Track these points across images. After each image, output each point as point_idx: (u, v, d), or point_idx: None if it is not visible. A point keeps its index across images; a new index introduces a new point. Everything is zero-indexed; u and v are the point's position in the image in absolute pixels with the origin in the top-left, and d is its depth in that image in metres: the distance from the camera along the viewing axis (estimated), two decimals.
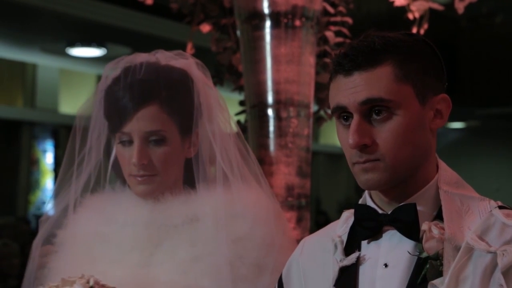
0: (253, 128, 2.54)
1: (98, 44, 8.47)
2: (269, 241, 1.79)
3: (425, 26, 3.02)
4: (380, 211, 1.46)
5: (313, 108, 2.66)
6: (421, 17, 3.03)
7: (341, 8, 3.04)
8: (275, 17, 2.50)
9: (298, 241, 1.73)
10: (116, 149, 1.85)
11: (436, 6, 3.05)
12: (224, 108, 1.92)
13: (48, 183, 11.01)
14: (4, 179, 10.15)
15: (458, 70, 11.81)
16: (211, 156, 1.86)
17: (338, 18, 3.03)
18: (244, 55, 2.59)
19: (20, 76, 10.21)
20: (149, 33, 7.70)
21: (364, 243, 1.49)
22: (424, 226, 1.40)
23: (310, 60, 2.55)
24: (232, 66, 3.13)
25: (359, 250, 1.48)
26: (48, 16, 7.16)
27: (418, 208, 1.41)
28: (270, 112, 2.50)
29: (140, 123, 1.78)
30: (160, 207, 1.82)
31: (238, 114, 3.07)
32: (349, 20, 3.06)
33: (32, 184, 10.76)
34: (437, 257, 1.38)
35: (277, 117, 2.50)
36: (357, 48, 1.40)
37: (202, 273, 1.74)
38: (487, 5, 10.97)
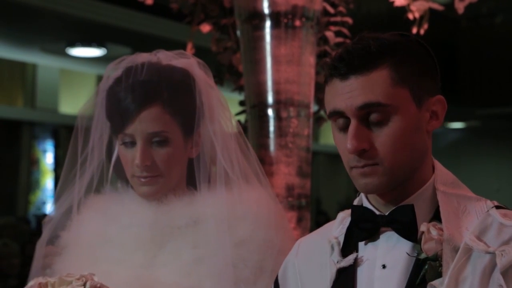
0: (253, 128, 2.54)
1: (98, 44, 8.47)
2: (270, 243, 1.79)
3: (425, 26, 3.02)
4: (377, 212, 1.45)
5: (313, 108, 2.66)
6: (421, 17, 3.03)
7: (341, 8, 3.04)
8: (275, 17, 2.50)
9: None
10: (118, 150, 1.84)
11: (436, 6, 3.05)
12: (226, 108, 1.91)
13: (48, 183, 11.01)
14: (4, 179, 10.15)
15: (458, 70, 11.81)
16: (213, 156, 1.85)
17: (338, 18, 3.03)
18: (244, 55, 2.59)
19: (20, 76, 10.22)
20: (149, 33, 7.70)
21: (361, 244, 1.48)
22: (422, 228, 1.40)
23: (310, 60, 2.55)
24: (232, 66, 3.14)
25: (357, 251, 1.48)
26: (48, 16, 7.16)
27: (415, 209, 1.41)
28: (270, 112, 2.51)
29: (142, 124, 1.77)
30: (163, 209, 1.81)
31: (238, 114, 3.07)
32: (349, 20, 3.06)
33: (32, 184, 10.76)
34: (436, 258, 1.38)
35: (277, 117, 2.50)
36: (353, 52, 1.39)
37: (205, 275, 1.73)
38: (487, 5, 10.98)
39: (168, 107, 1.78)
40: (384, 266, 1.43)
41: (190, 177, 1.87)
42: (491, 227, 1.39)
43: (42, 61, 9.92)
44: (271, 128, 2.50)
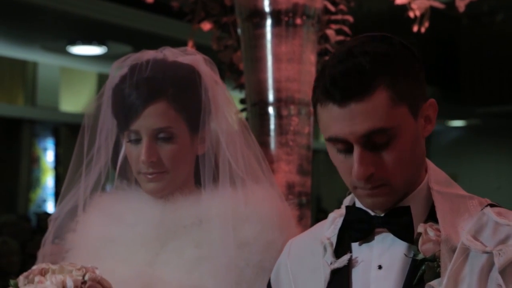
0: (253, 126, 2.54)
1: (99, 42, 8.46)
2: (274, 244, 1.77)
3: (426, 24, 3.02)
4: (372, 213, 1.45)
5: None
6: (422, 15, 3.03)
7: (342, 6, 3.04)
8: (276, 15, 2.50)
9: None
10: (125, 148, 1.83)
11: (437, 4, 3.05)
12: (232, 104, 1.90)
13: (48, 181, 11.02)
14: (5, 177, 10.16)
15: (459, 68, 11.81)
16: (219, 153, 1.84)
17: (339, 16, 3.03)
18: (245, 53, 2.59)
19: (21, 74, 10.22)
20: (150, 31, 7.70)
21: (355, 245, 1.48)
22: (419, 229, 1.40)
23: (311, 58, 2.55)
24: (233, 64, 3.13)
25: (350, 252, 1.47)
26: (49, 14, 7.16)
27: (411, 209, 1.41)
28: (271, 110, 2.51)
29: (148, 120, 1.76)
30: (170, 208, 1.80)
31: None
32: (350, 18, 3.05)
33: (33, 182, 10.77)
34: (434, 259, 1.38)
35: (278, 115, 2.50)
36: (347, 75, 1.34)
37: (207, 274, 1.73)
38: (488, 3, 10.97)
39: (174, 103, 1.77)
40: (380, 267, 1.42)
41: (198, 175, 1.85)
42: (487, 226, 1.39)
43: (42, 59, 9.92)
44: (272, 126, 2.50)
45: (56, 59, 9.70)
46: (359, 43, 1.39)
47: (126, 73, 1.80)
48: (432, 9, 3.04)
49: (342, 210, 1.56)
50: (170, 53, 1.86)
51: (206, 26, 3.17)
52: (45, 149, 11.05)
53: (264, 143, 2.49)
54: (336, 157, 1.41)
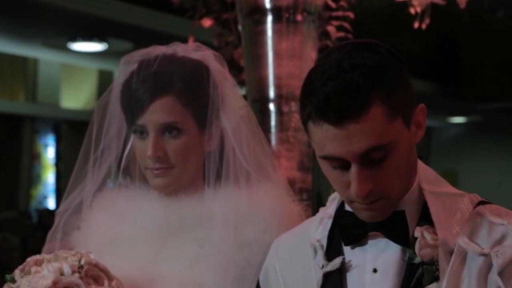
0: None
1: (99, 38, 8.45)
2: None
3: (427, 21, 3.02)
4: None
5: None
6: (423, 12, 3.02)
7: (342, 3, 3.04)
8: (277, 11, 2.50)
9: None
10: (133, 143, 1.82)
11: (438, 0, 3.04)
12: (241, 100, 1.88)
13: (49, 177, 11.03)
14: (6, 173, 10.17)
15: (460, 64, 11.81)
16: (228, 150, 1.82)
17: (340, 13, 3.03)
18: (246, 49, 2.59)
19: (22, 71, 10.22)
20: (150, 27, 7.69)
21: (347, 248, 1.46)
22: (416, 233, 1.39)
23: (311, 54, 2.55)
24: (234, 60, 3.13)
25: (342, 254, 1.45)
26: (50, 10, 7.15)
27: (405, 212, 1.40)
28: (271, 106, 2.51)
29: (154, 115, 1.74)
30: (173, 205, 1.79)
31: None
32: (350, 14, 3.05)
33: (34, 178, 10.78)
34: (432, 262, 1.37)
35: (279, 112, 2.50)
36: (340, 94, 1.29)
37: (208, 270, 1.73)
38: (489, 0, 10.97)
39: (181, 98, 1.75)
40: (375, 270, 1.41)
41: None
42: (481, 227, 1.39)
43: (43, 56, 9.92)
44: (273, 122, 2.50)
45: (56, 55, 9.69)
46: (345, 54, 1.34)
47: (135, 68, 1.80)
48: (433, 5, 3.04)
49: (329, 210, 1.54)
50: (180, 49, 1.84)
51: (207, 22, 3.17)
52: (45, 146, 11.07)
53: None
54: (330, 173, 1.38)
